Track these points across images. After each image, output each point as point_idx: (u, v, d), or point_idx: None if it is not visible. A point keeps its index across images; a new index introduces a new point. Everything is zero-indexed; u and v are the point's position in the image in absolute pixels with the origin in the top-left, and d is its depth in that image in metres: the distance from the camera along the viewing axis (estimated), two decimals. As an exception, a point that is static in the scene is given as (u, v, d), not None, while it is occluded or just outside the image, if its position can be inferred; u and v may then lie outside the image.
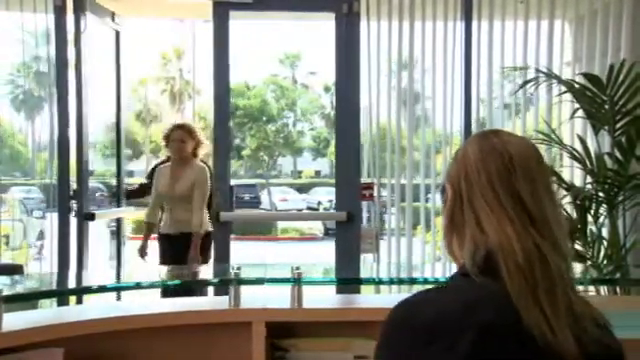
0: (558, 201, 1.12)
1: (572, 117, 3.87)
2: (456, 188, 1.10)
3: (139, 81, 18.76)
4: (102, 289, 1.64)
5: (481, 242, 1.04)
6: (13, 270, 3.81)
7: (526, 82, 3.93)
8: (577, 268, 3.54)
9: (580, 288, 3.29)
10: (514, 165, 1.08)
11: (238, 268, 1.66)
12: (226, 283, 1.63)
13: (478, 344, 0.95)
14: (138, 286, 1.65)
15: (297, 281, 1.65)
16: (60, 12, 4.06)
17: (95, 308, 1.70)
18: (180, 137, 4.42)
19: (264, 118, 25.67)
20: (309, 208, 22.96)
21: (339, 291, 3.15)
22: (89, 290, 1.75)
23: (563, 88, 3.78)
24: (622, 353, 1.06)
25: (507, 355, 0.97)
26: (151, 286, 1.68)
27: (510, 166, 1.08)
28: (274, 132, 26.48)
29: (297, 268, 1.70)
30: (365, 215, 4.45)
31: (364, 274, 3.39)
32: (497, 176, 1.07)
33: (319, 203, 22.04)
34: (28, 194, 7.20)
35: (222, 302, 1.66)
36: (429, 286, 1.14)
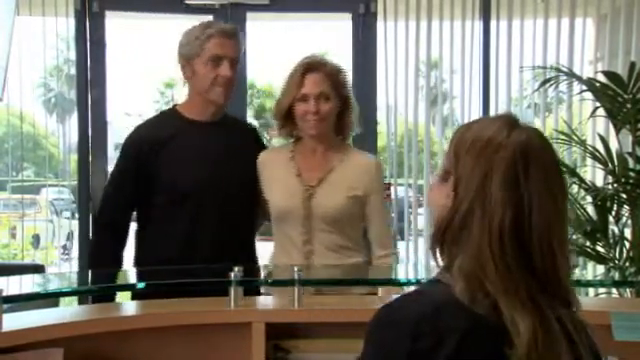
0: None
1: (592, 116, 3.80)
2: (470, 197, 1.02)
3: (166, 83, 18.97)
4: (101, 290, 1.66)
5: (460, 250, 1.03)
6: (35, 270, 3.89)
7: (545, 81, 3.87)
8: (599, 270, 3.51)
9: (602, 290, 3.20)
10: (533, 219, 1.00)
11: (239, 269, 1.66)
12: (226, 284, 1.63)
13: (462, 344, 0.95)
14: (138, 288, 1.66)
15: (297, 282, 1.65)
16: (80, 16, 4.11)
17: (95, 308, 1.72)
18: (319, 90, 2.17)
19: (290, 119, 25.76)
20: (335, 209, 22.95)
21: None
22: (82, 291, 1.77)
23: (584, 87, 3.72)
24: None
25: (489, 357, 0.97)
26: (151, 287, 1.69)
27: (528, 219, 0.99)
28: (300, 133, 26.59)
29: (299, 269, 1.70)
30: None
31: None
32: (510, 228, 0.99)
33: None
34: (60, 195, 7.33)
35: (222, 302, 1.66)
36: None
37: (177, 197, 2.23)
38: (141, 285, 1.80)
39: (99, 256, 2.30)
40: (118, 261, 2.27)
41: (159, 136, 2.26)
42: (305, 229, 2.15)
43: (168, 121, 2.34)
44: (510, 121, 1.07)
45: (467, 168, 1.02)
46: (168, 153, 2.24)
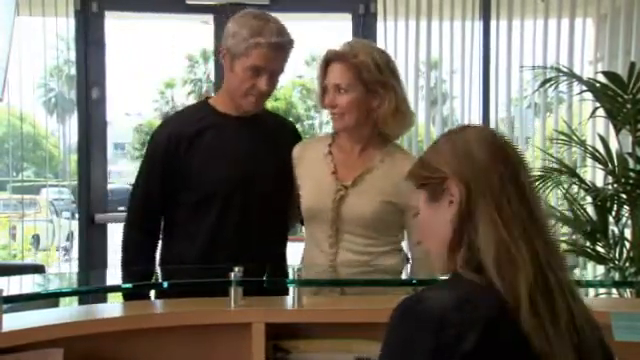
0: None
1: (592, 116, 3.80)
2: (466, 189, 1.09)
3: (166, 83, 19.02)
4: (97, 290, 1.66)
5: (476, 246, 1.05)
6: (35, 270, 3.89)
7: (545, 81, 3.87)
8: (599, 270, 3.51)
9: (602, 291, 3.22)
10: (521, 168, 1.10)
11: (239, 269, 1.66)
12: (226, 284, 1.63)
13: (485, 335, 0.97)
14: (136, 288, 1.66)
15: (297, 282, 1.65)
16: (80, 16, 4.11)
17: (95, 308, 1.72)
18: (335, 82, 2.04)
19: (290, 119, 25.79)
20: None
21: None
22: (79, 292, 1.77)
23: (584, 87, 3.72)
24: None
25: (508, 351, 0.98)
26: (149, 288, 1.69)
27: (518, 168, 1.09)
28: (301, 132, 26.59)
29: (298, 269, 1.70)
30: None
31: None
32: (509, 180, 1.07)
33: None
34: (60, 195, 7.35)
35: (222, 303, 1.66)
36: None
37: (205, 194, 2.12)
38: (127, 286, 1.79)
39: (135, 262, 2.16)
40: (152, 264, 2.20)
41: (188, 131, 2.14)
42: (333, 231, 2.01)
43: (198, 115, 2.21)
44: (489, 135, 1.15)
45: (455, 164, 1.11)
46: (197, 148, 2.12)
